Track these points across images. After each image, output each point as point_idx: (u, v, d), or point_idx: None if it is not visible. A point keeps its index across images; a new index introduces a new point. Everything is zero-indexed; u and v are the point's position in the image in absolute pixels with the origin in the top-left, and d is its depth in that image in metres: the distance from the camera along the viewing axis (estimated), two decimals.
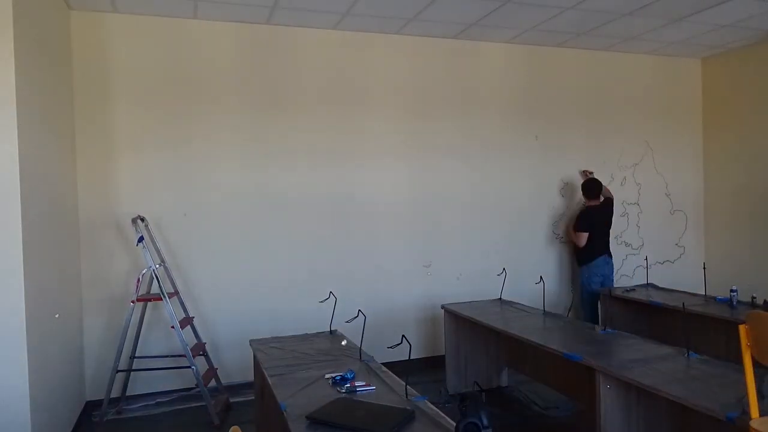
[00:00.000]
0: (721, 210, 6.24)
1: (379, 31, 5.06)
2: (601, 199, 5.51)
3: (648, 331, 4.90)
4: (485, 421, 1.94)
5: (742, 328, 2.32)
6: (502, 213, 5.59)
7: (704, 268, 5.12)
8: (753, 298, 4.31)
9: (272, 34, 4.82)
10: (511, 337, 3.91)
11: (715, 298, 4.60)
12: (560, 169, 5.80)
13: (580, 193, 5.65)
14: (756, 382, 2.23)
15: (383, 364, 2.98)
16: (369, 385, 2.61)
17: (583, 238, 5.38)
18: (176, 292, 4.44)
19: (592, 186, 5.48)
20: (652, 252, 6.14)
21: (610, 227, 5.57)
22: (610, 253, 5.52)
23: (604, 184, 5.86)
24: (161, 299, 4.12)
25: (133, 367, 4.32)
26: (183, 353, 4.10)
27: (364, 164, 5.11)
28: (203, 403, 4.11)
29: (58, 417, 3.58)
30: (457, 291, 5.38)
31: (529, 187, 5.70)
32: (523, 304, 4.62)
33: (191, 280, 4.64)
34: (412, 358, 3.24)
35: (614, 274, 5.64)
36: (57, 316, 3.59)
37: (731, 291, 4.36)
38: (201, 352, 4.39)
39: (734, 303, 4.32)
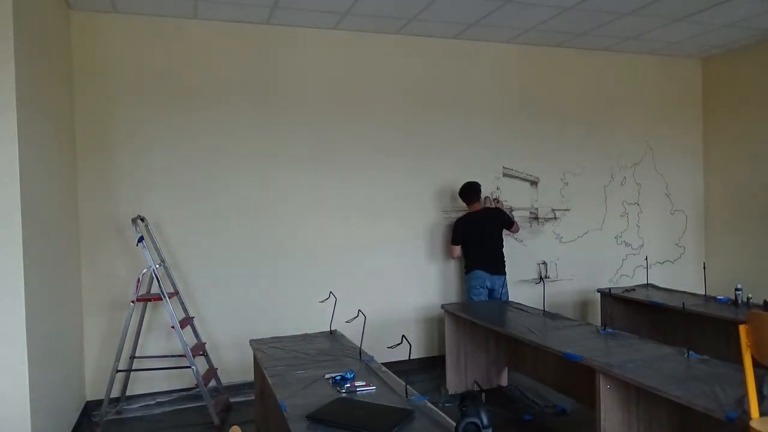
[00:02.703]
0: (721, 210, 6.24)
1: (379, 31, 5.06)
2: (483, 205, 5.09)
3: (648, 331, 4.91)
4: (485, 421, 1.94)
5: (742, 328, 2.32)
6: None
7: (704, 268, 5.12)
8: (749, 298, 4.33)
9: (272, 34, 4.82)
10: (511, 337, 3.91)
11: (715, 298, 4.59)
12: (560, 168, 5.80)
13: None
14: (756, 382, 2.23)
15: (383, 364, 2.99)
16: (369, 385, 2.60)
17: (456, 251, 4.98)
18: (176, 292, 4.44)
19: (468, 187, 5.02)
20: (652, 252, 6.14)
21: (495, 236, 4.98)
22: (496, 267, 4.91)
23: (603, 183, 5.86)
24: (161, 299, 4.12)
25: (133, 367, 4.31)
26: (183, 353, 4.10)
27: (364, 163, 5.11)
28: (203, 403, 4.11)
29: (58, 417, 3.58)
30: (457, 291, 5.39)
31: (529, 186, 5.70)
32: (523, 304, 4.61)
33: (191, 280, 4.64)
34: (412, 358, 3.24)
35: (505, 290, 4.98)
36: None
37: (736, 290, 4.35)
38: (201, 352, 4.39)
39: (740, 302, 4.31)
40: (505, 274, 5.00)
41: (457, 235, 4.96)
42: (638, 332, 4.60)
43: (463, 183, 5.07)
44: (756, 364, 2.27)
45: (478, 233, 4.92)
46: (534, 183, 5.71)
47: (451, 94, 5.38)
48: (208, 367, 4.44)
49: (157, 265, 4.25)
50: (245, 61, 4.76)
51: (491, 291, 4.91)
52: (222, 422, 4.07)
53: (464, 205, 5.13)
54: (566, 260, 5.81)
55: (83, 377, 4.36)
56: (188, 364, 4.08)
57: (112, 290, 4.44)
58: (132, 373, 4.34)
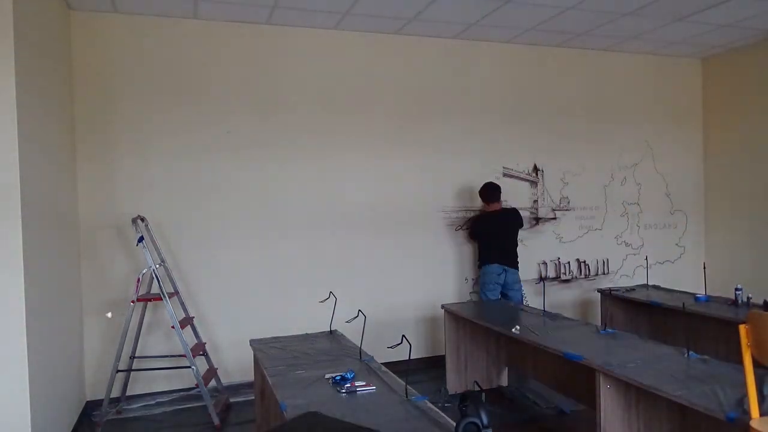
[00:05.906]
0: (721, 210, 6.24)
1: (379, 31, 5.06)
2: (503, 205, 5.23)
3: (648, 331, 4.91)
4: (485, 421, 1.94)
5: (742, 328, 2.32)
6: None
7: (704, 268, 5.12)
8: (749, 298, 4.33)
9: (272, 34, 4.82)
10: (511, 337, 3.91)
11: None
12: (560, 168, 5.80)
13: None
14: (756, 382, 2.23)
15: (383, 364, 2.99)
16: (369, 385, 2.60)
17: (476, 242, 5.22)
18: (176, 292, 4.44)
19: (487, 188, 5.15)
20: (652, 252, 6.14)
21: (512, 235, 5.14)
22: (509, 262, 5.04)
23: (604, 183, 5.87)
24: (161, 299, 4.12)
25: (133, 367, 4.32)
26: (183, 353, 4.10)
27: (364, 163, 5.10)
28: (203, 403, 4.11)
29: (58, 417, 3.58)
30: (457, 291, 5.38)
31: (529, 186, 5.70)
32: (523, 304, 4.61)
33: (191, 280, 4.64)
34: (412, 358, 3.23)
35: (518, 286, 5.08)
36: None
37: (736, 290, 4.35)
38: (201, 352, 4.39)
39: (739, 302, 4.31)
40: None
41: (479, 228, 5.21)
42: (638, 332, 4.60)
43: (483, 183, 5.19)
44: (756, 364, 2.27)
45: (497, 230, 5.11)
46: (534, 183, 5.72)
47: (451, 94, 5.38)
48: (208, 367, 4.44)
49: (157, 265, 4.25)
50: (245, 61, 4.76)
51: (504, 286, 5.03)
52: (222, 422, 4.07)
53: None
54: (566, 260, 5.82)
55: (83, 377, 4.36)
56: (188, 364, 4.08)
57: (112, 290, 4.44)
58: (132, 373, 4.34)
